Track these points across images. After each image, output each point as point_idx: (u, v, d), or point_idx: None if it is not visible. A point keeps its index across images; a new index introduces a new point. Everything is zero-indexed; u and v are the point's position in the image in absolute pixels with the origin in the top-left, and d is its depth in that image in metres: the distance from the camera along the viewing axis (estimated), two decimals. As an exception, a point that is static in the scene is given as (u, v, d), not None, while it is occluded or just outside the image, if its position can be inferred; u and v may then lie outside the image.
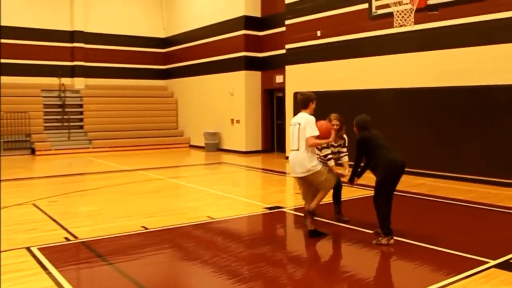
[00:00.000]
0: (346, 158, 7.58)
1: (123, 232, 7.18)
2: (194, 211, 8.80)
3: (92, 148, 21.08)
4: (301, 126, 6.64)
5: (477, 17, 11.24)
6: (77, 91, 22.87)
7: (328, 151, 7.28)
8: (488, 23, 11.08)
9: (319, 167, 6.71)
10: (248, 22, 19.38)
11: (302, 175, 6.75)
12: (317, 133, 6.58)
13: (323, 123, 6.83)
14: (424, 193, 10.24)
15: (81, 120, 22.30)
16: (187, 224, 7.72)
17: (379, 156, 6.55)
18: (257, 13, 19.58)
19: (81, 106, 22.46)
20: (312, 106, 6.88)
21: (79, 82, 23.28)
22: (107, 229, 7.39)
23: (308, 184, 6.91)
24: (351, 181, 7.03)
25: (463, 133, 11.60)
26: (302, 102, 6.91)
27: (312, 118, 6.68)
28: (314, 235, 6.82)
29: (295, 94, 16.37)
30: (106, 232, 7.16)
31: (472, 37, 11.39)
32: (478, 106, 11.35)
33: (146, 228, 7.39)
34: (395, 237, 6.46)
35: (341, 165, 7.58)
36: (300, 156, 6.65)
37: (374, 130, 6.83)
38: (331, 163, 7.28)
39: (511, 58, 10.72)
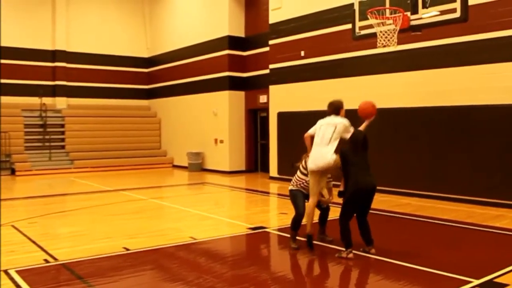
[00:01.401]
0: (330, 184, 7.61)
1: (104, 254, 7.07)
2: (177, 232, 8.72)
3: (74, 168, 20.90)
4: (338, 127, 6.98)
5: (457, 38, 11.45)
6: (58, 111, 22.67)
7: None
8: (468, 44, 11.31)
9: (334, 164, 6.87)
10: (231, 42, 19.50)
11: (322, 168, 6.91)
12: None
13: (369, 105, 7.31)
14: (409, 213, 10.27)
15: (62, 140, 22.10)
16: (169, 245, 7.63)
17: (350, 174, 6.76)
18: (241, 33, 19.73)
19: (62, 126, 22.26)
20: (343, 111, 7.29)
21: (60, 102, 23.14)
22: (87, 250, 7.29)
23: (319, 177, 7.05)
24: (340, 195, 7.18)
25: (447, 153, 11.75)
26: (333, 111, 7.25)
27: (348, 123, 7.09)
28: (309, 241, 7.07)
29: (279, 114, 16.46)
30: (86, 254, 7.05)
31: (453, 58, 11.61)
32: (460, 126, 11.51)
33: (128, 249, 7.30)
34: (380, 257, 6.50)
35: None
36: (327, 150, 6.88)
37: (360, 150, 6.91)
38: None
39: (490, 78, 10.93)
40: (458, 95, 11.53)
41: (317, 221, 7.68)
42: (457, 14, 7.24)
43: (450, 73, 11.71)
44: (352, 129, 7.03)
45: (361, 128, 7.21)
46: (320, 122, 7.22)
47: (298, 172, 7.44)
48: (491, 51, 10.94)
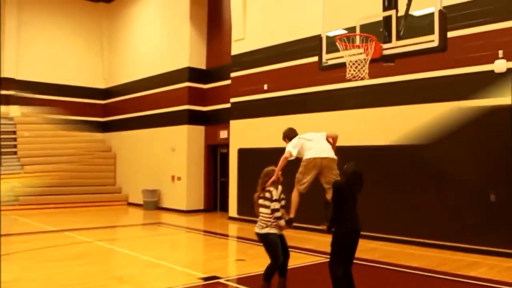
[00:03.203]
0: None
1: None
2: (119, 283, 7.66)
3: (19, 205, 19.48)
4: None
5: (426, 74, 10.97)
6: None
7: (278, 205, 6.42)
8: (436, 80, 10.83)
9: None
10: (192, 74, 18.73)
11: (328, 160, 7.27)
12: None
13: None
14: (377, 260, 9.48)
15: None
16: (107, 301, 6.63)
17: (344, 214, 6.00)
18: (202, 65, 19.01)
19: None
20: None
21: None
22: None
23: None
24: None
25: (416, 193, 11.00)
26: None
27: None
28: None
29: (240, 150, 15.64)
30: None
31: (420, 94, 11.09)
32: (429, 165, 10.83)
33: (57, 307, 6.26)
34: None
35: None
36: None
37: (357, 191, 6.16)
38: (282, 222, 6.44)
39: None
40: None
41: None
42: (435, 43, 6.61)
43: (418, 109, 11.15)
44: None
45: None
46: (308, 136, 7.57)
47: (262, 209, 6.49)
48: (460, 87, 10.45)
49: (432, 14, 6.84)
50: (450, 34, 9.54)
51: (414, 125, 11.22)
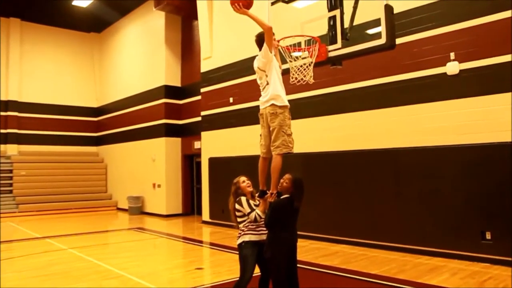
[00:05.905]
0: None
1: None
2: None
3: (19, 212, 18.01)
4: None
5: (380, 80, 9.40)
6: (8, 157, 19.63)
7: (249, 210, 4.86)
8: (391, 85, 9.24)
9: None
10: (168, 91, 17.15)
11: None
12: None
13: None
14: (335, 267, 7.86)
15: (10, 185, 19.15)
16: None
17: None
18: (177, 83, 17.41)
19: (11, 171, 19.26)
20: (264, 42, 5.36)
21: (11, 149, 20.06)
22: None
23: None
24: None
25: (380, 196, 9.30)
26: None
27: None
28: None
29: (210, 159, 14.02)
30: None
31: (376, 100, 9.50)
32: (388, 169, 9.19)
33: None
34: None
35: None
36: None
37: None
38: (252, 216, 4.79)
39: (415, 120, 8.83)
40: (386, 137, 9.32)
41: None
42: (382, 40, 5.07)
43: (374, 115, 9.57)
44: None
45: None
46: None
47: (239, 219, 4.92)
48: (411, 92, 8.88)
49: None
50: (400, 40, 8.05)
51: (368, 130, 9.66)
